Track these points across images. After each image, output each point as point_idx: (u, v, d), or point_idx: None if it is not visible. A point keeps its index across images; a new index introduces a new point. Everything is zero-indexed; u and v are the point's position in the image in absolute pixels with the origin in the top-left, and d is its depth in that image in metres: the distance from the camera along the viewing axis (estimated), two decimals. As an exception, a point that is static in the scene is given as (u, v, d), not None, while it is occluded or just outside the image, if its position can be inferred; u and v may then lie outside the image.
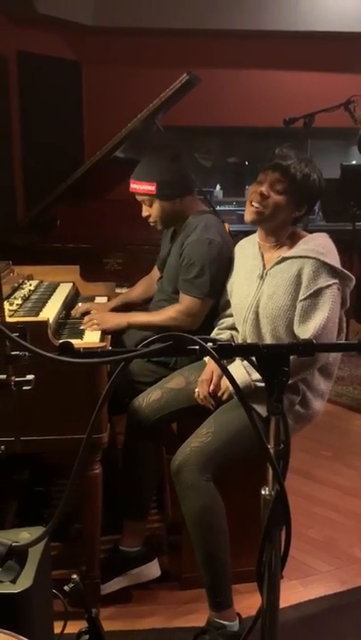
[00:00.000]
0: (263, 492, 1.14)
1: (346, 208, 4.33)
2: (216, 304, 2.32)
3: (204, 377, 2.10)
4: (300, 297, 1.92)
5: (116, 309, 2.58)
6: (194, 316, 2.29)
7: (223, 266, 2.28)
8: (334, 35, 5.32)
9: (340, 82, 5.24)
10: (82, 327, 2.31)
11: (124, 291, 3.08)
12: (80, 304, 2.58)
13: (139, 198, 2.38)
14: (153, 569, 2.21)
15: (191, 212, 2.38)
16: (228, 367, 1.86)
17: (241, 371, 1.94)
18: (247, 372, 1.94)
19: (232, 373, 1.13)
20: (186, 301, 2.30)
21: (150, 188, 2.31)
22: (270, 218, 1.98)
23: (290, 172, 1.93)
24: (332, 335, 1.90)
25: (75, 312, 2.48)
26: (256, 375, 1.90)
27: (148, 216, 2.40)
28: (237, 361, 1.99)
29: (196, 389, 2.11)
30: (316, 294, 1.90)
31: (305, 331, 1.90)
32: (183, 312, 2.30)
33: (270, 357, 1.08)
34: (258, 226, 2.06)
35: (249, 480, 1.96)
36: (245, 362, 1.94)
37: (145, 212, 2.40)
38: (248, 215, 2.01)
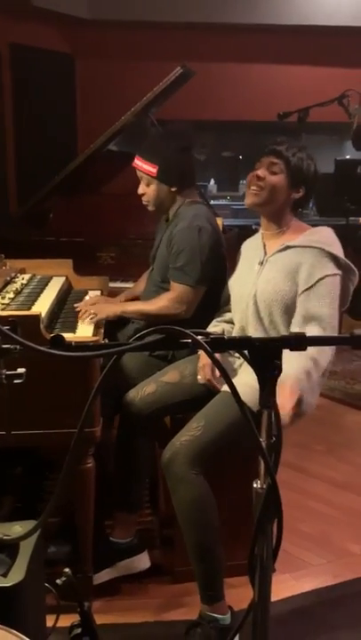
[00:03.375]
0: (255, 486, 1.14)
1: (340, 203, 4.34)
2: (213, 294, 2.32)
3: (206, 362, 2.09)
4: (302, 287, 1.92)
5: None
6: (186, 304, 2.29)
7: (214, 253, 2.30)
8: (329, 29, 5.31)
9: (335, 76, 5.24)
10: (79, 320, 2.30)
11: (117, 285, 3.07)
12: (88, 296, 2.57)
13: (139, 174, 2.40)
14: (143, 560, 2.22)
15: (185, 203, 2.39)
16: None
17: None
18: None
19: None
20: (177, 289, 2.30)
21: (152, 169, 2.34)
22: (269, 199, 2.01)
23: (284, 154, 1.99)
24: (335, 330, 1.92)
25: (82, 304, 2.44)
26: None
27: (143, 194, 2.41)
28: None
29: (199, 376, 2.11)
30: (318, 286, 1.90)
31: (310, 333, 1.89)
32: (175, 300, 2.29)
33: (262, 350, 1.08)
34: (258, 209, 2.07)
35: (241, 474, 1.95)
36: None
37: (141, 189, 2.42)
38: (247, 199, 2.05)
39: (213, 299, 2.34)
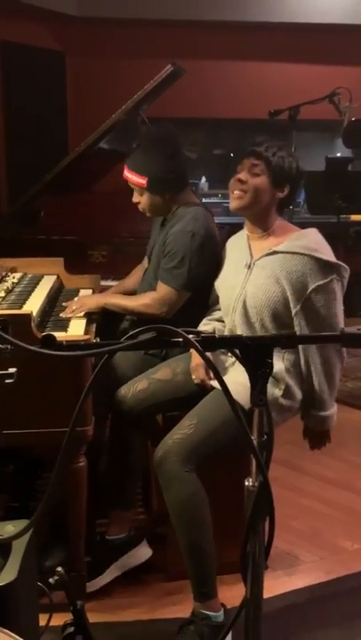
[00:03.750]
0: (247, 484, 1.15)
1: (331, 201, 4.34)
2: (205, 295, 2.32)
3: (198, 361, 2.10)
4: (295, 303, 1.92)
5: None
6: (168, 306, 2.28)
7: (205, 260, 2.27)
8: (320, 26, 5.32)
9: (326, 74, 5.25)
10: (61, 315, 2.31)
11: (108, 283, 3.07)
12: (76, 299, 2.56)
13: (131, 185, 2.38)
14: (143, 551, 2.22)
15: (181, 204, 2.37)
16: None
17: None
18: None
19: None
20: (162, 290, 2.29)
21: (142, 181, 2.31)
22: (253, 201, 2.00)
23: (263, 155, 1.98)
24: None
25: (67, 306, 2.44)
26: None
27: (138, 202, 2.41)
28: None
29: (193, 376, 2.11)
30: (310, 300, 1.91)
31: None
32: (158, 300, 2.29)
33: (254, 349, 1.08)
34: (242, 213, 2.06)
35: (234, 472, 1.96)
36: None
37: (135, 198, 2.40)
38: (232, 203, 2.04)
39: (205, 299, 2.33)
